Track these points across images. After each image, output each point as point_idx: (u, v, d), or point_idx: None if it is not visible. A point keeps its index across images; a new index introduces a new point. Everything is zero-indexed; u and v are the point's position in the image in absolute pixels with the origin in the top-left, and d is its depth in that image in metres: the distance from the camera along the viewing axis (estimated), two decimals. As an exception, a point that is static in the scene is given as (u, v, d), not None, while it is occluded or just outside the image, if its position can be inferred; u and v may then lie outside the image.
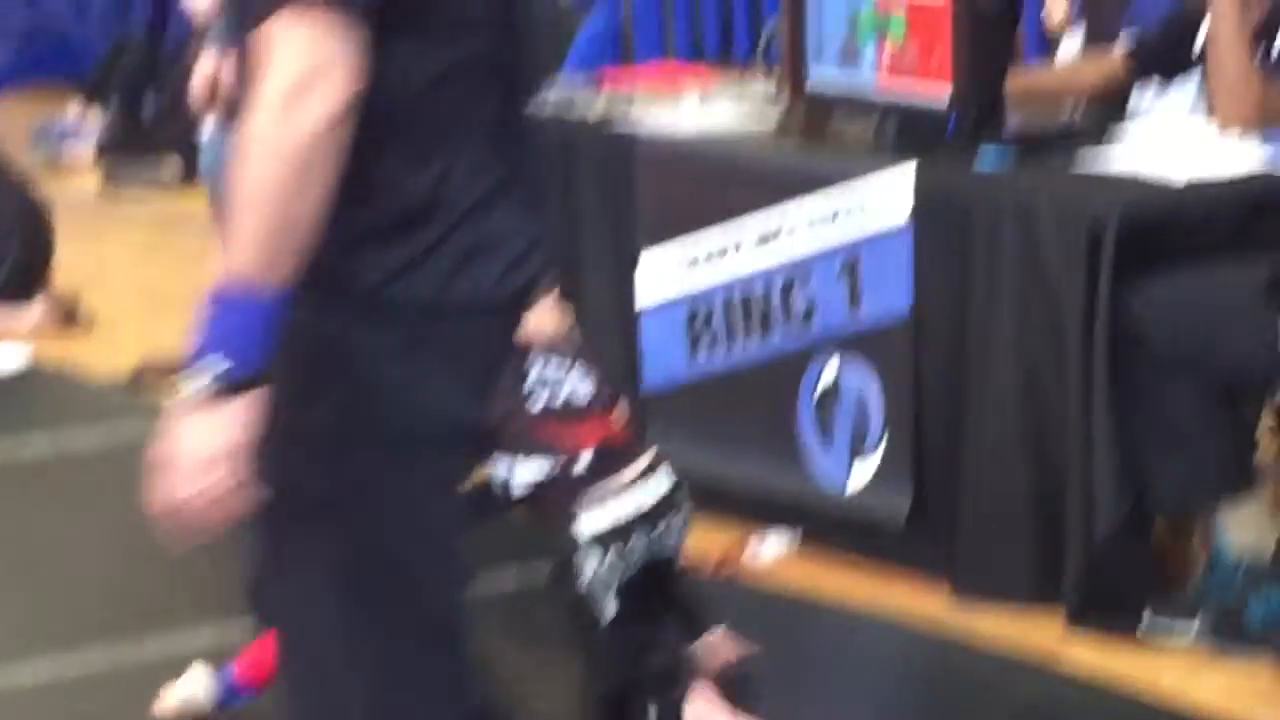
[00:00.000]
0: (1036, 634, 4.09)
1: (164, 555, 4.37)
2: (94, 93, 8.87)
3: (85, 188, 7.93)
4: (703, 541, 4.67)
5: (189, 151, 7.20)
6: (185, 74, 6.40)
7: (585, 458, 3.54)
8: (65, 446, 5.30)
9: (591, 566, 3.52)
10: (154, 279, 6.79)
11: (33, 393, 5.79)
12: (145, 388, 5.52)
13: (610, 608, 3.52)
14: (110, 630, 4.11)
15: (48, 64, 9.62)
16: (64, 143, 8.37)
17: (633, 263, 4.79)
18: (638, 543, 3.54)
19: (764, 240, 4.59)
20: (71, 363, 5.83)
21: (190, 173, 7.46)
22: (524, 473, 3.55)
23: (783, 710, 3.85)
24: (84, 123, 8.62)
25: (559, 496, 3.55)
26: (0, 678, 3.96)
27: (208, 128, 6.34)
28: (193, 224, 7.09)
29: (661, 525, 3.57)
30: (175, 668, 3.70)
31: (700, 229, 4.67)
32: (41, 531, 4.76)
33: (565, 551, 3.54)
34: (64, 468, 5.17)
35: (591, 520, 3.53)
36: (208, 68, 6.04)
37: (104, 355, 5.90)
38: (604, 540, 3.53)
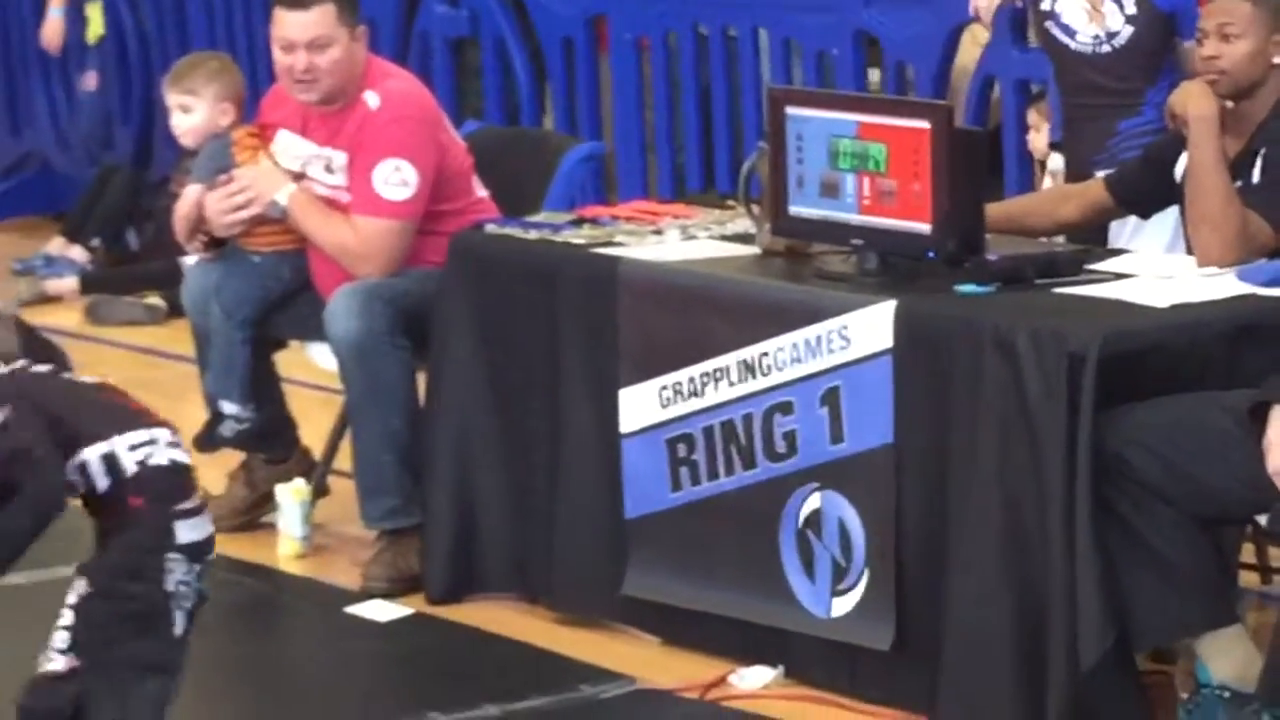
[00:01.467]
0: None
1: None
2: (77, 225, 8.88)
3: (68, 322, 7.93)
4: (687, 668, 4.78)
5: (173, 284, 7.22)
6: (170, 205, 6.43)
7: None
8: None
9: (178, 574, 3.51)
10: None
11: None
12: None
13: (180, 624, 3.50)
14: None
15: (31, 195, 9.64)
16: (46, 276, 8.35)
17: (614, 388, 4.83)
18: (203, 572, 3.53)
19: (745, 370, 4.63)
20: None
21: (174, 307, 7.43)
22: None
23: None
24: (66, 255, 8.63)
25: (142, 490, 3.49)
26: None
27: (190, 260, 6.37)
28: (176, 359, 7.17)
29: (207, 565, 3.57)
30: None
31: (682, 357, 4.72)
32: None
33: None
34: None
35: (184, 530, 3.51)
36: (190, 200, 6.12)
37: None
38: (189, 553, 3.51)
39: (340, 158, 5.48)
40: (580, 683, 4.82)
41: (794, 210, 4.71)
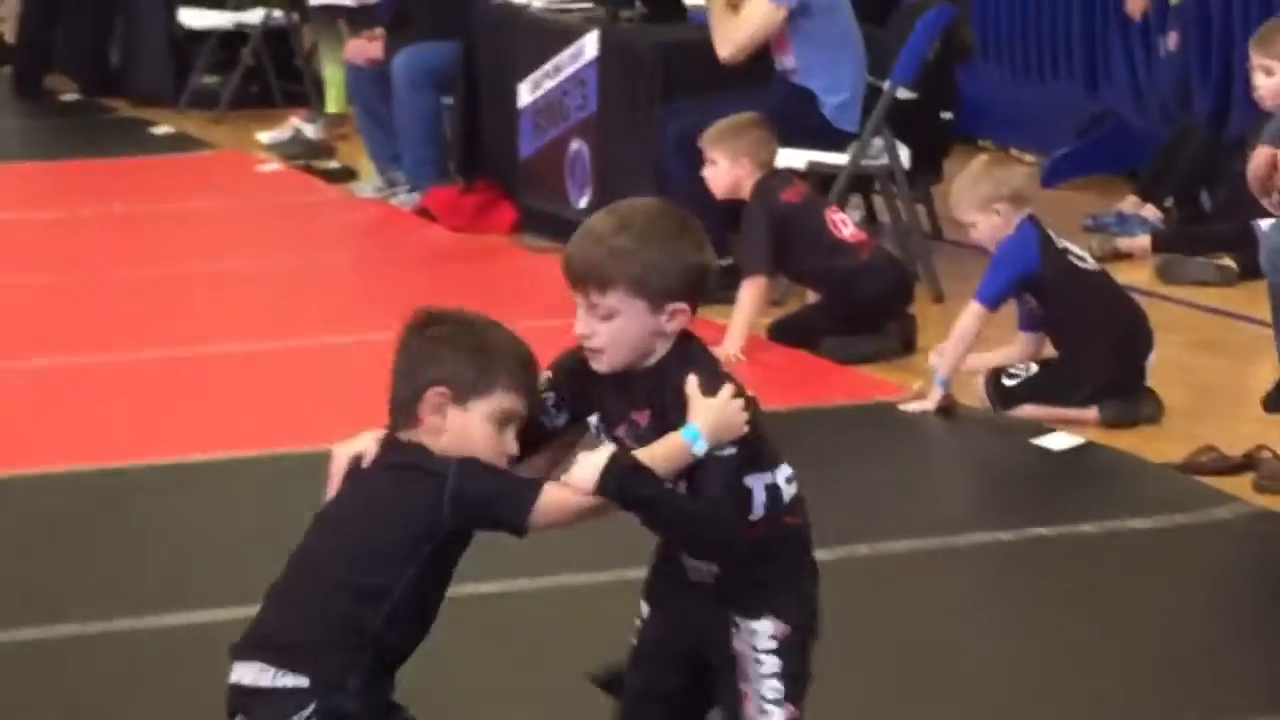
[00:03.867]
0: None
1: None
2: (1151, 183, 9.15)
3: (1139, 279, 8.18)
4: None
5: (1244, 247, 7.33)
6: (1243, 168, 6.55)
7: None
8: (1118, 528, 5.73)
9: None
10: (1205, 374, 7.09)
11: (1089, 473, 6.28)
12: (1193, 477, 5.90)
13: None
14: None
15: (1106, 153, 10.03)
16: (1119, 234, 8.63)
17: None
18: None
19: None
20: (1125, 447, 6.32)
21: (1246, 269, 7.53)
22: None
23: None
24: (1139, 214, 8.92)
25: None
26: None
27: (1266, 220, 6.45)
28: (1246, 320, 7.38)
29: None
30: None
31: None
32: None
33: None
34: (1117, 548, 5.57)
35: None
36: (1262, 160, 6.18)
37: (1155, 443, 6.28)
38: None
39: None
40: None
41: None
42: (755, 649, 3.30)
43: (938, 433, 6.61)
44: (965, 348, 6.52)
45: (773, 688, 3.33)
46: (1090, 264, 6.71)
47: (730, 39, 8.01)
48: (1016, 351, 6.67)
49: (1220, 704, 4.46)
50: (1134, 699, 4.56)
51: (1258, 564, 5.58)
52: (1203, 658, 4.73)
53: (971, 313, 6.41)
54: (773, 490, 3.31)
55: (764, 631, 3.28)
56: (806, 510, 3.36)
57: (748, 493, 3.30)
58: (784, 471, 3.33)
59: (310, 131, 11.78)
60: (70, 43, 13.61)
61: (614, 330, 3.27)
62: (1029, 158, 9.80)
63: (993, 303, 6.38)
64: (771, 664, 3.33)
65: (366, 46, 10.14)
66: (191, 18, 12.76)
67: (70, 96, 13.55)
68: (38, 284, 8.70)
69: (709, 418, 3.22)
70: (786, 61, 8.00)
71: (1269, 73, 6.85)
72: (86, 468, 6.36)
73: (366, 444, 3.41)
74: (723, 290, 7.02)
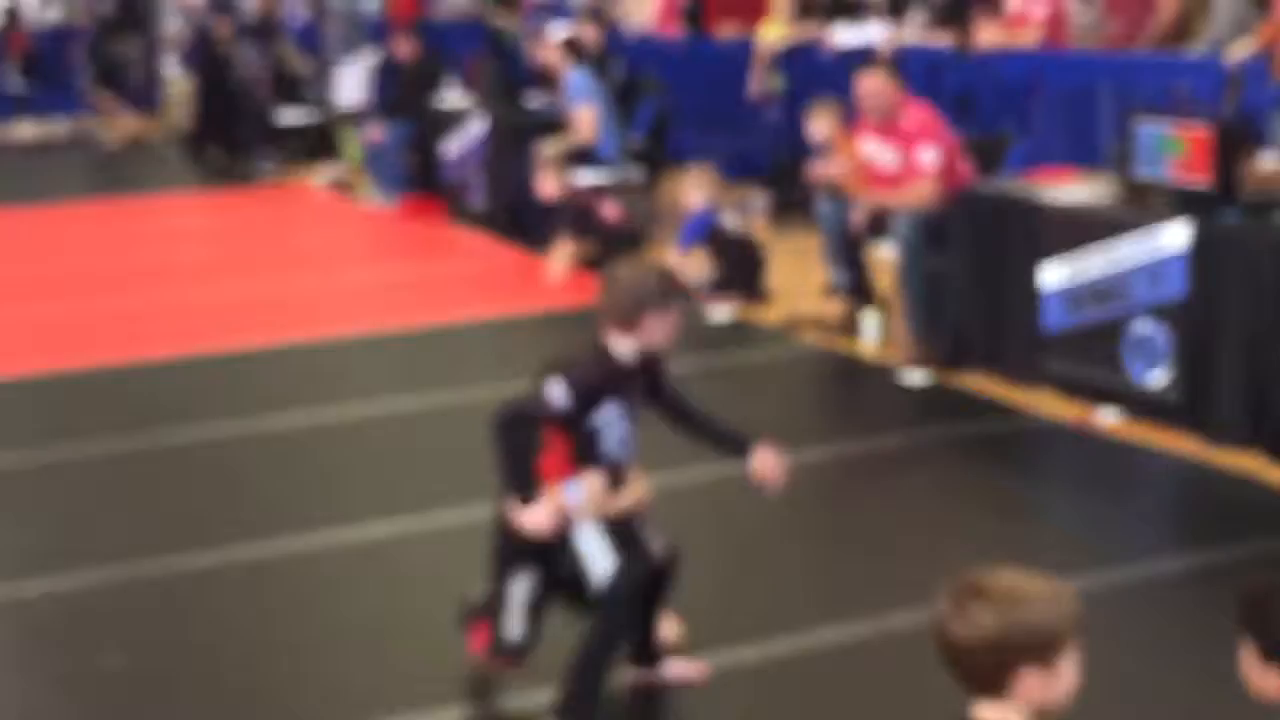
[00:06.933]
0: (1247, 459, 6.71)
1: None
2: None
3: None
4: (1065, 411, 7.71)
5: None
6: None
7: None
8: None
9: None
10: None
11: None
12: None
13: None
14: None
15: None
16: None
17: (1035, 270, 7.91)
18: None
19: (1111, 256, 7.42)
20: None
21: None
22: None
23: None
24: None
25: None
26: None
27: None
28: None
29: None
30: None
31: (1080, 249, 7.61)
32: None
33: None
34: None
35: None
36: None
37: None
38: None
39: None
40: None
41: (1138, 173, 7.66)
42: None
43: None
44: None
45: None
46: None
47: None
48: None
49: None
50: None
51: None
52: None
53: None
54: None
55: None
56: None
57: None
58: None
59: (338, 173, 16.97)
60: (212, 126, 18.80)
61: None
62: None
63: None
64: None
65: (371, 131, 15.32)
66: (284, 117, 18.48)
67: (220, 160, 18.73)
68: (210, 256, 13.22)
69: None
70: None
71: (814, 126, 9.88)
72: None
73: (591, 486, 4.20)
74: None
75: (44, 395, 8.99)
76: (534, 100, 13.92)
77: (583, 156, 12.30)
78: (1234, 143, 7.20)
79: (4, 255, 13.66)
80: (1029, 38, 11.69)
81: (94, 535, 6.62)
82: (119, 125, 21.69)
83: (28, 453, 7.82)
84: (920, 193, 8.87)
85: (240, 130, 18.49)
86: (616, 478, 4.68)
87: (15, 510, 7.08)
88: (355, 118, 16.60)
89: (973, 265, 8.52)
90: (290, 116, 18.41)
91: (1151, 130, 7.48)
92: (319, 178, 16.98)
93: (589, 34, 13.92)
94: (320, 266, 12.53)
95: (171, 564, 6.14)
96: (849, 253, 9.44)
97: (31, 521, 6.89)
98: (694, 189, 10.52)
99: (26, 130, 23.01)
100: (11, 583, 6.14)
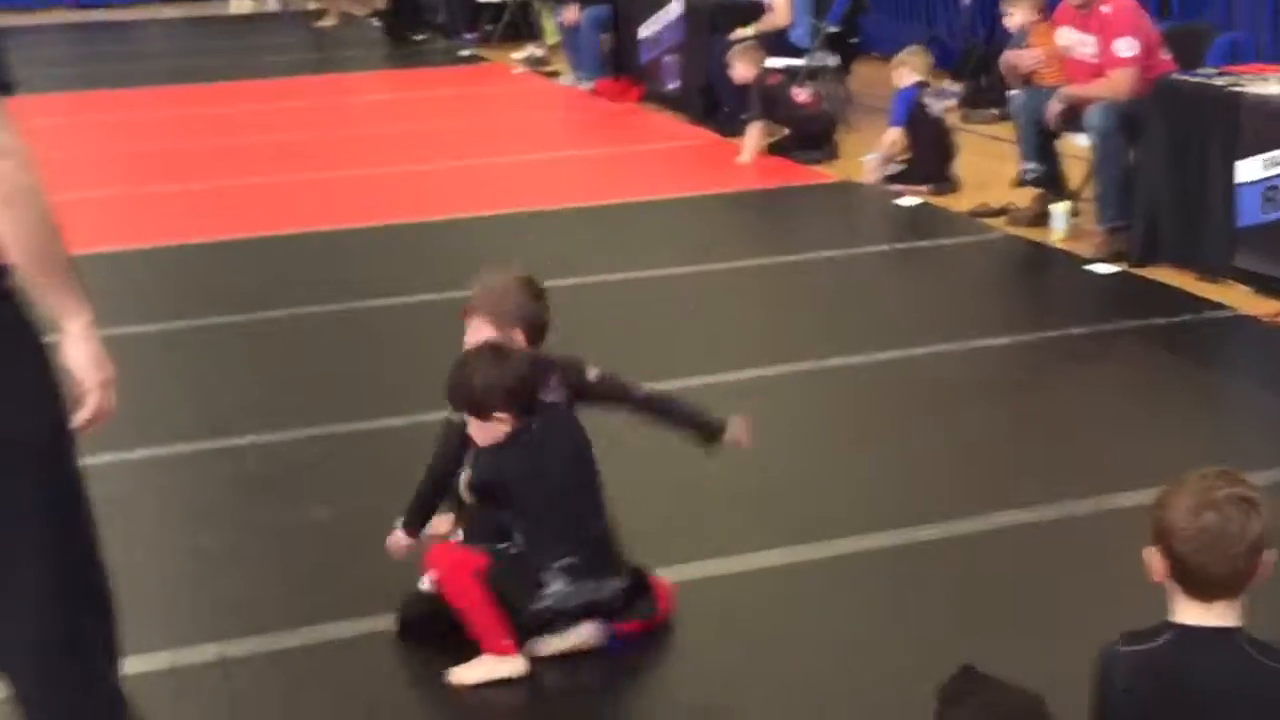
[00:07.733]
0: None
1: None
2: (957, 72, 12.66)
3: (953, 122, 10.97)
4: (1257, 307, 7.64)
5: (1003, 104, 10.05)
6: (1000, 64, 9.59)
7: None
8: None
9: None
10: (981, 169, 10.32)
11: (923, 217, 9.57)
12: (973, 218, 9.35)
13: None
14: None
15: (936, 57, 11.52)
16: (944, 99, 11.03)
17: (1233, 165, 7.84)
18: None
19: None
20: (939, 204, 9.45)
21: (1004, 117, 10.24)
22: None
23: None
24: (951, 88, 12.11)
25: None
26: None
27: (1013, 90, 9.47)
28: (1003, 141, 10.55)
29: None
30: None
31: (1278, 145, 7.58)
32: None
33: None
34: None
35: None
36: (1008, 57, 9.28)
37: (953, 201, 9.83)
38: None
39: None
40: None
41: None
42: None
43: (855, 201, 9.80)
44: (889, 151, 10.27)
45: None
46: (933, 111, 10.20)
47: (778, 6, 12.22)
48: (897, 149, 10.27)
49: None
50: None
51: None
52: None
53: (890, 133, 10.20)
54: None
55: None
56: None
57: None
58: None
59: (538, 52, 16.97)
60: (413, 4, 19.20)
61: None
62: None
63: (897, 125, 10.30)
64: None
65: (567, 13, 15.09)
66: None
67: (419, 37, 19.23)
68: (408, 132, 13.28)
69: None
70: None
71: (1010, 14, 10.00)
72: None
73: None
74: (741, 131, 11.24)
75: (257, 255, 9.22)
76: (729, -16, 13.84)
77: (777, 41, 12.36)
78: None
79: (220, 127, 13.76)
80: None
81: (301, 393, 6.77)
82: (331, 2, 21.98)
83: (236, 318, 7.98)
84: (1118, 84, 8.79)
85: (442, 9, 18.83)
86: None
87: (227, 367, 7.23)
88: (555, -2, 16.64)
89: (1168, 158, 8.42)
90: (492, -6, 18.51)
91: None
92: (518, 56, 17.13)
93: (785, -81, 13.71)
94: (516, 144, 12.60)
95: (367, 426, 6.28)
96: (1043, 144, 9.37)
97: (243, 378, 7.04)
98: (906, 67, 10.58)
99: (244, 4, 23.59)
100: (224, 436, 6.26)
